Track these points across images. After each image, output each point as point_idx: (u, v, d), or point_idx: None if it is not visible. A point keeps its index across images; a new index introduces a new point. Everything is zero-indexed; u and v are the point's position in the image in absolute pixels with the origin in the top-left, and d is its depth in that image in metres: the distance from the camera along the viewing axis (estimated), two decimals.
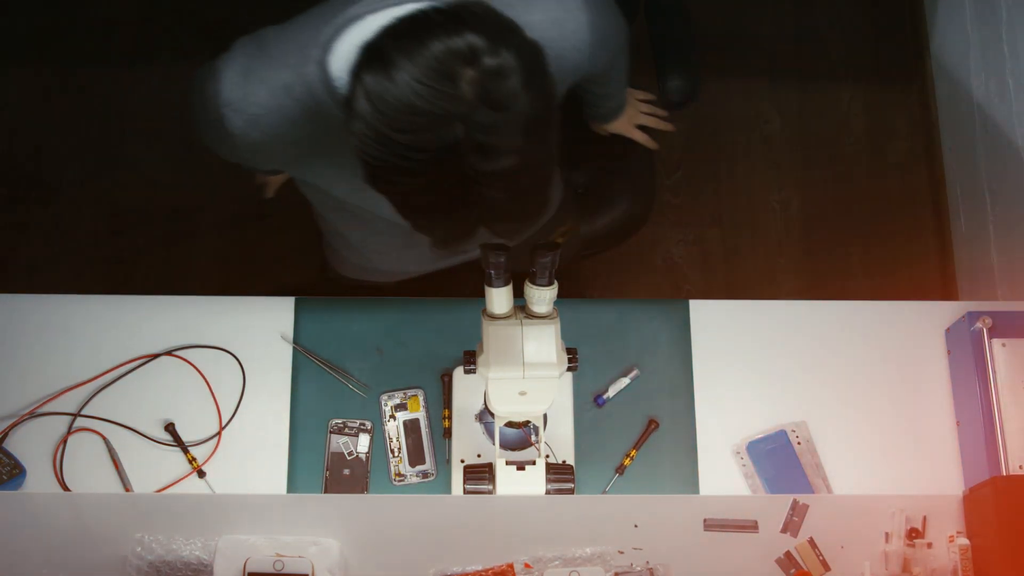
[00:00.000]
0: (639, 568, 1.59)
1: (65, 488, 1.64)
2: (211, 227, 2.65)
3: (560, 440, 1.68)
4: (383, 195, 1.17)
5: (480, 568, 1.57)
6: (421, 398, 1.71)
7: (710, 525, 1.60)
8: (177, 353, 1.71)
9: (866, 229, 2.71)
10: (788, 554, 1.61)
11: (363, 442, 1.69)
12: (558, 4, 1.37)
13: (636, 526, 1.59)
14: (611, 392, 1.73)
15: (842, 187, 2.74)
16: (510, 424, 1.57)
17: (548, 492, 1.49)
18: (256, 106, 1.33)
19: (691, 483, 1.69)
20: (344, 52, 1.28)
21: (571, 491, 1.49)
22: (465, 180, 1.12)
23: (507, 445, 1.65)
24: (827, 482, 1.69)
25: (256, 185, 1.94)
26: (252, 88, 1.33)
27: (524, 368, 1.45)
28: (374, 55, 1.12)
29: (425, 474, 1.68)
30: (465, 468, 1.51)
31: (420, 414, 1.71)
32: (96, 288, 2.56)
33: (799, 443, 1.70)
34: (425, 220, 1.19)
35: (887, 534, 1.61)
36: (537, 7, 1.35)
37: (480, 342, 1.49)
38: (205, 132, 1.43)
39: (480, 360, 1.48)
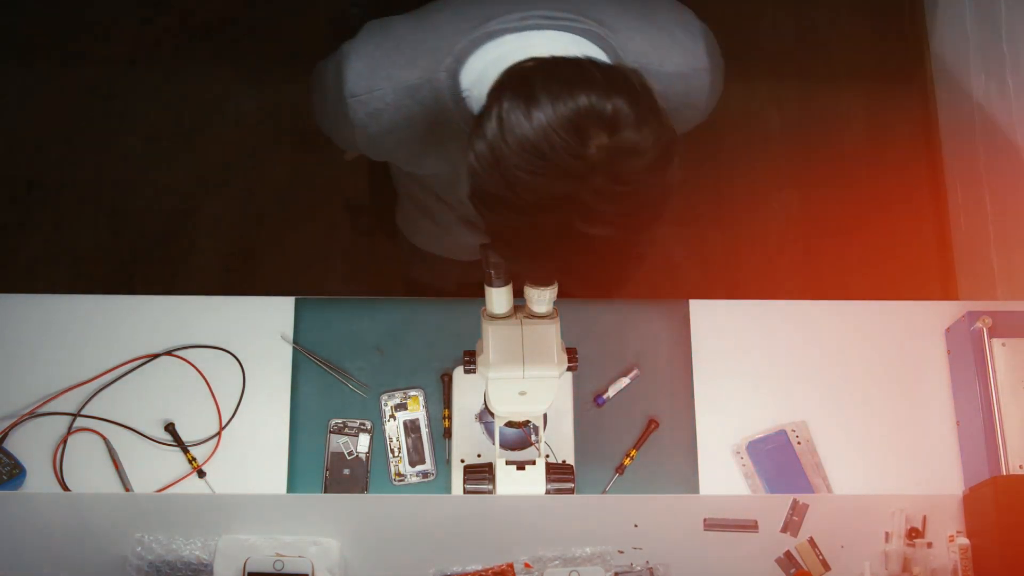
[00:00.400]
0: (639, 568, 1.59)
1: (65, 488, 1.64)
2: (211, 227, 2.65)
3: (560, 440, 1.68)
4: (478, 214, 1.15)
5: (480, 568, 1.57)
6: (421, 398, 1.71)
7: (710, 525, 1.60)
8: (177, 353, 1.71)
9: (866, 229, 2.71)
10: (788, 554, 1.61)
11: (363, 442, 1.69)
12: (691, 60, 1.35)
13: (636, 526, 1.59)
14: (611, 392, 1.73)
15: (842, 187, 2.74)
16: (510, 424, 1.57)
17: (548, 492, 1.49)
18: (379, 101, 1.32)
19: (691, 483, 1.69)
20: (478, 67, 1.27)
21: (571, 491, 1.49)
22: (560, 233, 1.10)
23: (507, 445, 1.65)
24: (827, 482, 1.69)
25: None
26: (377, 83, 1.31)
27: (524, 368, 1.45)
28: (520, 83, 1.10)
29: (425, 474, 1.68)
30: (465, 468, 1.51)
31: (420, 414, 1.71)
32: (96, 288, 2.56)
33: (799, 443, 1.70)
34: (509, 251, 1.18)
35: (887, 534, 1.61)
36: (671, 61, 1.33)
37: (480, 342, 1.49)
38: (324, 118, 1.43)
39: (480, 360, 1.48)
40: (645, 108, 1.07)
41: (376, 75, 1.32)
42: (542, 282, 1.31)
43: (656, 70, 1.31)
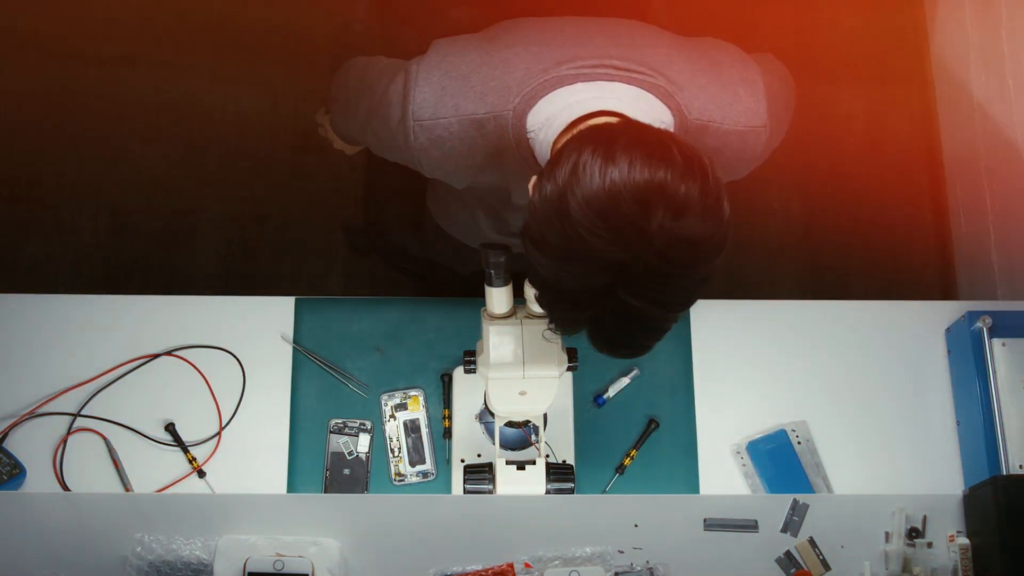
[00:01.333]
0: (639, 568, 1.59)
1: (65, 488, 1.64)
2: (211, 227, 2.65)
3: (560, 440, 1.68)
4: (524, 250, 1.16)
5: (480, 568, 1.57)
6: (421, 398, 1.71)
7: (710, 525, 1.60)
8: (177, 353, 1.71)
9: (866, 229, 2.71)
10: (788, 554, 1.61)
11: (363, 442, 1.69)
12: (751, 119, 1.37)
13: (636, 526, 1.59)
14: (611, 392, 1.73)
15: (842, 187, 2.74)
16: (510, 424, 1.57)
17: (548, 492, 1.49)
18: (443, 129, 1.32)
19: (691, 483, 1.69)
20: (547, 111, 1.27)
21: (571, 491, 1.49)
22: (598, 294, 1.12)
23: (507, 445, 1.65)
24: (827, 482, 1.69)
25: (321, 134, 1.94)
26: (443, 112, 1.31)
27: (524, 368, 1.45)
28: (603, 140, 1.10)
29: (425, 474, 1.68)
30: (465, 468, 1.51)
31: (420, 414, 1.71)
32: (96, 288, 2.56)
33: (799, 443, 1.70)
34: (544, 294, 1.19)
35: (887, 534, 1.61)
36: (731, 120, 1.35)
37: (480, 342, 1.49)
38: (365, 129, 1.43)
39: (480, 360, 1.48)
40: (713, 201, 1.08)
41: (443, 104, 1.31)
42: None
43: (716, 128, 1.33)
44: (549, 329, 1.36)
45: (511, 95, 1.29)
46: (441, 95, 1.31)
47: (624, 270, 1.08)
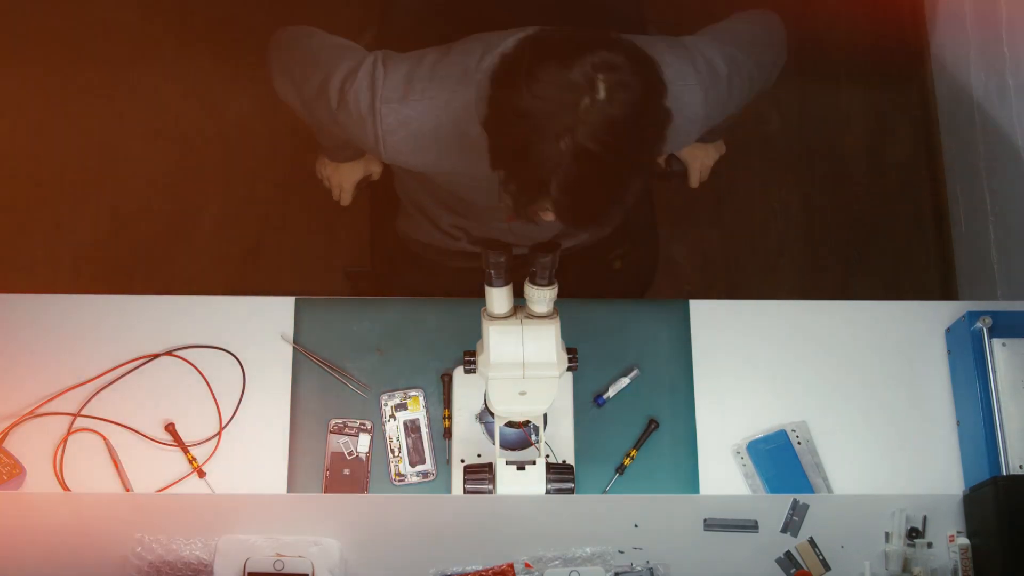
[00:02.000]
0: (639, 568, 1.59)
1: (65, 488, 1.64)
2: (211, 227, 2.65)
3: (560, 440, 1.68)
4: (489, 137, 1.33)
5: (480, 568, 1.57)
6: (421, 398, 1.71)
7: (710, 525, 1.60)
8: (177, 353, 1.71)
9: (866, 229, 2.71)
10: (788, 554, 1.61)
11: (363, 442, 1.69)
12: (679, 77, 1.51)
13: (636, 526, 1.59)
14: (611, 392, 1.73)
15: (842, 187, 2.74)
16: (510, 424, 1.57)
17: (548, 492, 1.49)
18: (411, 109, 1.47)
19: (691, 483, 1.69)
20: None
21: (571, 491, 1.49)
22: (563, 147, 1.26)
23: (507, 445, 1.65)
24: (827, 482, 1.69)
25: (328, 190, 2.00)
26: (412, 94, 1.47)
27: (524, 368, 1.45)
28: (548, 33, 1.33)
29: (425, 474, 1.68)
30: (465, 468, 1.51)
31: (420, 414, 1.71)
32: (96, 288, 2.56)
33: (799, 443, 1.70)
34: (512, 167, 1.32)
35: (887, 534, 1.61)
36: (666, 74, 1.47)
37: (480, 342, 1.49)
38: (317, 107, 1.54)
39: (480, 360, 1.48)
40: (641, 62, 1.30)
41: (412, 87, 1.47)
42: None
43: None
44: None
45: (472, 73, 1.45)
46: (410, 79, 1.47)
47: (575, 111, 1.25)
